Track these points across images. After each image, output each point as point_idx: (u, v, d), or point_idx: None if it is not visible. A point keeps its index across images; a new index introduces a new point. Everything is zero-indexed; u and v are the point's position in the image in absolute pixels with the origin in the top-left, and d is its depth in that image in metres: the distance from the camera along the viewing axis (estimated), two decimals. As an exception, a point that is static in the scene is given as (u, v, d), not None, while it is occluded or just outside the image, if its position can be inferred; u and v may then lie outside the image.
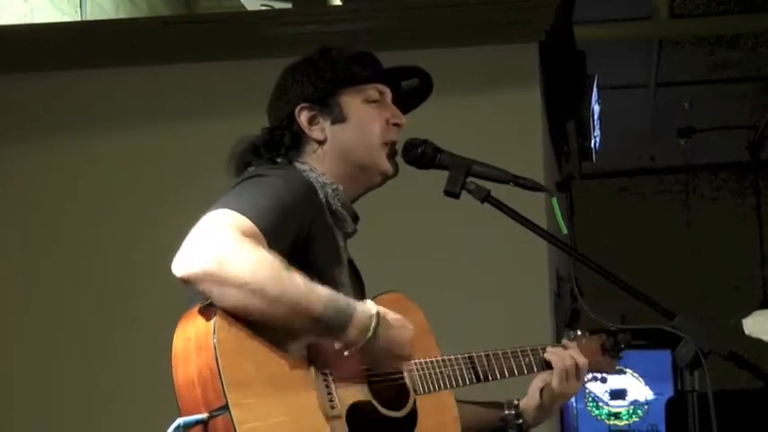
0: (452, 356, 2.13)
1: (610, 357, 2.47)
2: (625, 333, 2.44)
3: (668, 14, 7.13)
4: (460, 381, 2.12)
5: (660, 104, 8.67)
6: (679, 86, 8.50)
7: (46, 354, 4.31)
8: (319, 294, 1.78)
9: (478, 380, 2.17)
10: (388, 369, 1.93)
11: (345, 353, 1.83)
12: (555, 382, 2.27)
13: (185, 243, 1.75)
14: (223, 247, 1.72)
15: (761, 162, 9.67)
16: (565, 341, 2.32)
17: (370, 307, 1.85)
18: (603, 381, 2.43)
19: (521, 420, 2.33)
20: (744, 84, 8.51)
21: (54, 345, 4.30)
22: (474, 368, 2.16)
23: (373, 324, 1.83)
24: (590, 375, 2.38)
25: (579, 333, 2.43)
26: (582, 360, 2.29)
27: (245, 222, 1.78)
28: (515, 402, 2.35)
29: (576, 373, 2.28)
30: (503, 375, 2.23)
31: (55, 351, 4.29)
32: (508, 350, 2.26)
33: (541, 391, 2.31)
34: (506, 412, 2.34)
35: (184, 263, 1.73)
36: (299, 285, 1.76)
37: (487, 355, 2.21)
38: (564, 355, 2.27)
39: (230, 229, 1.74)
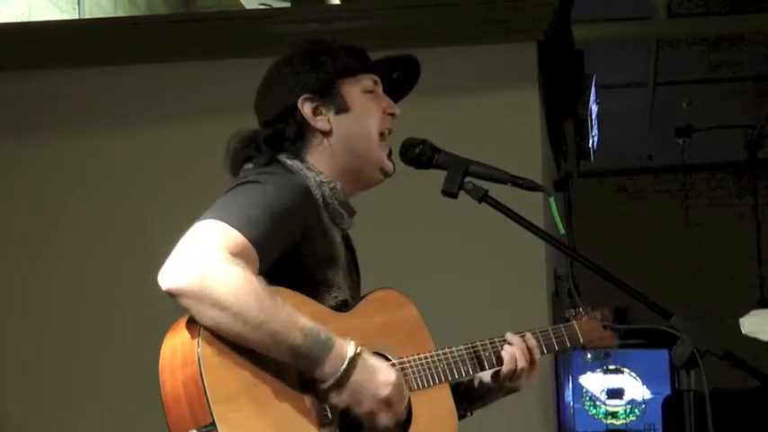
0: (446, 350, 2.10)
1: (611, 331, 2.42)
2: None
3: (666, 14, 7.13)
4: (455, 374, 2.10)
5: (658, 104, 8.68)
6: (677, 86, 8.50)
7: (43, 353, 4.31)
8: (302, 325, 1.76)
9: (474, 371, 2.14)
10: (369, 411, 1.83)
11: (323, 386, 1.79)
12: (499, 380, 2.19)
13: (172, 254, 1.74)
14: (209, 266, 1.70)
15: (759, 161, 9.67)
16: (511, 337, 2.21)
17: (348, 345, 1.80)
18: (607, 355, 2.40)
19: None
20: (742, 83, 8.52)
21: (51, 345, 4.29)
22: (467, 360, 2.12)
23: (346, 362, 1.78)
24: (593, 352, 2.33)
25: (582, 310, 2.39)
26: (534, 365, 2.21)
27: (236, 236, 1.76)
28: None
29: (529, 373, 2.21)
30: (500, 364, 2.19)
31: (52, 351, 4.29)
32: (497, 339, 2.22)
33: (480, 382, 2.26)
34: None
35: (169, 276, 1.72)
36: (281, 314, 1.74)
37: (476, 346, 2.18)
38: (518, 356, 2.18)
39: (218, 246, 1.72)
